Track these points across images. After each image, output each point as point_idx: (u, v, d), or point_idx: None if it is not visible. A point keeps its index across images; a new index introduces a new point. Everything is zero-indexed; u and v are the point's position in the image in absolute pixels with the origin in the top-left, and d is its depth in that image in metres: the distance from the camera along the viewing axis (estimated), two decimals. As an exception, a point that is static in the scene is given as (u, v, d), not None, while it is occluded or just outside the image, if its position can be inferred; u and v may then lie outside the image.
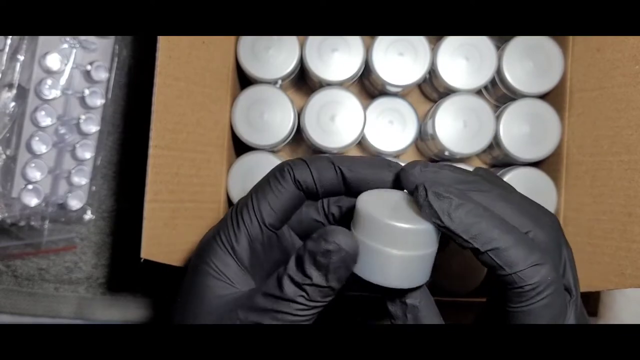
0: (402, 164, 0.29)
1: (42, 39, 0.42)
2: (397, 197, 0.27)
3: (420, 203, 0.26)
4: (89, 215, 0.46)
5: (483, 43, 0.44)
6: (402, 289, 0.27)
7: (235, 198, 0.43)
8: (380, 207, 0.26)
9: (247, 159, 0.43)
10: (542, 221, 0.27)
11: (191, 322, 0.29)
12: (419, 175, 0.27)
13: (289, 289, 0.26)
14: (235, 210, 0.30)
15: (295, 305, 0.26)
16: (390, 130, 0.46)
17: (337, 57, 0.43)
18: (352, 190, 0.29)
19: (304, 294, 0.26)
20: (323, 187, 0.29)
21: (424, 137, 0.46)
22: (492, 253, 0.25)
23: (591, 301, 0.50)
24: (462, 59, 0.44)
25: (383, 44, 0.43)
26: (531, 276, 0.24)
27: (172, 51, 0.35)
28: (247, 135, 0.42)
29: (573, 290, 0.27)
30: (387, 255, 0.25)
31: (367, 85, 0.48)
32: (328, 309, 0.29)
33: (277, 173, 0.29)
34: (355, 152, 0.49)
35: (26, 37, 0.42)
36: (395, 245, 0.25)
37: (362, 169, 0.28)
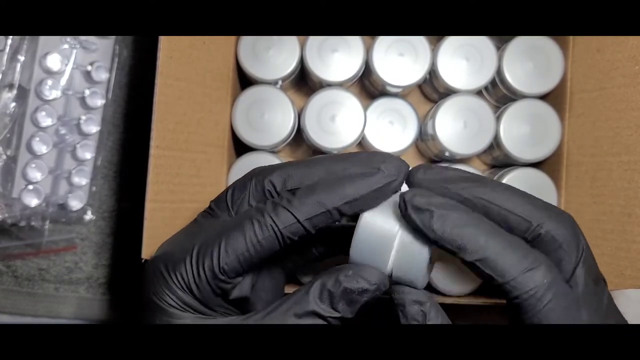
0: (392, 162, 0.27)
1: (42, 39, 0.42)
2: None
3: (402, 215, 0.25)
4: (89, 216, 0.46)
5: (483, 43, 0.44)
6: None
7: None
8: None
9: (247, 159, 0.43)
10: (555, 211, 0.26)
11: None
12: (423, 177, 0.26)
13: (311, 321, 0.26)
14: (196, 253, 0.27)
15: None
16: (391, 131, 0.46)
17: (338, 57, 0.43)
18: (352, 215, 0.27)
19: (325, 324, 0.26)
20: (317, 229, 0.26)
21: (424, 138, 0.46)
22: (481, 263, 0.24)
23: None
24: (463, 60, 0.44)
25: (383, 44, 0.43)
26: (526, 284, 0.24)
27: (172, 51, 0.35)
28: (247, 135, 0.42)
29: (599, 280, 0.26)
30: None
31: (368, 86, 0.48)
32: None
33: (255, 224, 0.26)
34: (355, 153, 0.49)
35: (27, 37, 0.42)
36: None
37: (356, 195, 0.26)
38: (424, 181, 0.26)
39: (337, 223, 0.27)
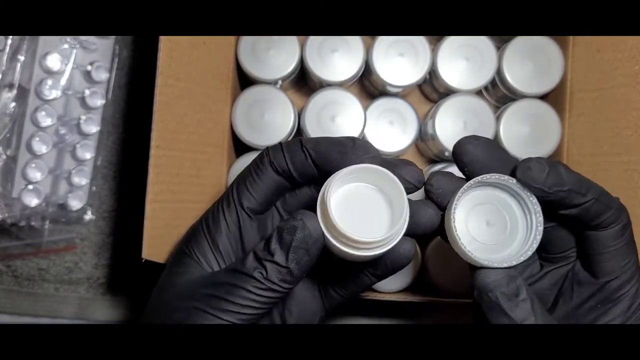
0: (366, 142, 0.29)
1: (42, 39, 0.42)
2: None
3: (534, 177, 0.27)
4: (89, 216, 0.46)
5: (483, 43, 0.44)
6: None
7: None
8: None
9: (247, 159, 0.43)
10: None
11: (165, 298, 0.29)
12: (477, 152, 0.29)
13: (250, 263, 0.27)
14: (219, 198, 0.30)
15: (252, 281, 0.26)
16: (391, 131, 0.46)
17: (338, 57, 0.43)
18: (322, 171, 0.28)
19: (262, 270, 0.26)
20: (297, 170, 0.29)
21: (424, 138, 0.46)
22: (602, 198, 0.27)
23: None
24: (463, 60, 0.44)
25: (383, 44, 0.43)
26: (623, 209, 0.28)
27: (173, 51, 0.35)
28: (247, 135, 0.43)
29: None
30: None
31: (367, 86, 0.48)
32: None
33: (257, 159, 0.30)
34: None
35: (27, 37, 0.42)
36: None
37: (325, 148, 0.28)
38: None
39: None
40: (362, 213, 0.27)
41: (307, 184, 0.30)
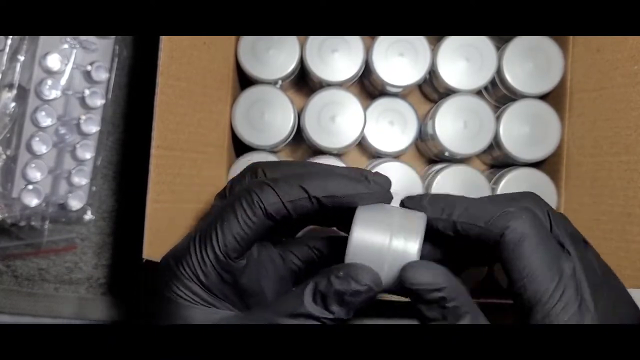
0: (380, 176, 0.28)
1: (42, 39, 0.42)
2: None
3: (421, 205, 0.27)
4: (89, 216, 0.46)
5: (483, 43, 0.44)
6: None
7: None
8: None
9: (247, 159, 0.43)
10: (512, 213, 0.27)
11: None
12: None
13: (305, 322, 0.26)
14: (198, 240, 0.28)
15: None
16: (391, 131, 0.46)
17: (338, 57, 0.43)
18: (328, 210, 0.27)
19: (321, 324, 0.26)
20: (297, 214, 0.27)
21: (424, 138, 0.46)
22: (464, 216, 0.26)
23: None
24: (463, 60, 0.44)
25: (383, 44, 0.43)
26: (504, 223, 0.26)
27: (173, 51, 0.35)
28: (247, 135, 0.43)
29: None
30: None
31: (368, 86, 0.48)
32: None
33: (244, 202, 0.27)
34: (355, 153, 0.49)
35: (26, 37, 0.42)
36: None
37: (337, 191, 0.27)
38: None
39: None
40: None
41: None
